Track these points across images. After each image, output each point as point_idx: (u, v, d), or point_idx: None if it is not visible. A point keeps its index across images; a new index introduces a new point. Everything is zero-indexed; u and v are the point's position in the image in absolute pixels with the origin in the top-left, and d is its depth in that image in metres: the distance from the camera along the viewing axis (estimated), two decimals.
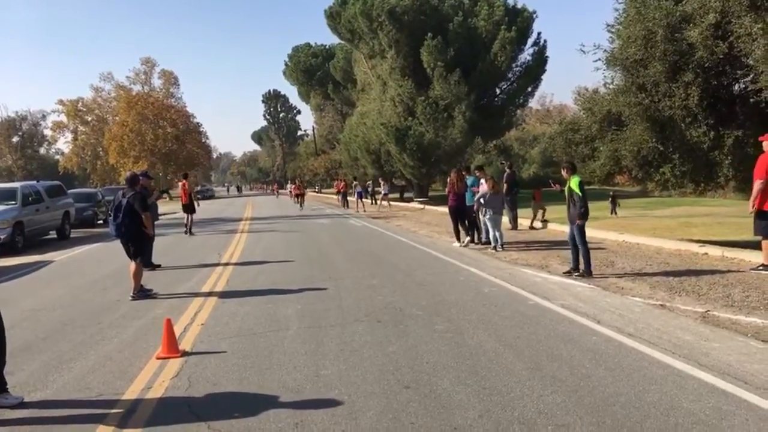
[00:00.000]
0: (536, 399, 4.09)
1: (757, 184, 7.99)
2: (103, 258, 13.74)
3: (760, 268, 8.17)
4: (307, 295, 8.15)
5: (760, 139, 8.74)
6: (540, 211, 16.65)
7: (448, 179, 13.57)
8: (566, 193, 8.87)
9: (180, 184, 19.97)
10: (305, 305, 7.45)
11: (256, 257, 12.53)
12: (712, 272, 8.41)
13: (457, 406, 4.04)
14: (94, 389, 4.76)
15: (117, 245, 9.49)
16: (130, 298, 8.37)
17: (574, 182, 8.65)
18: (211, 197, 62.79)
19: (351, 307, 7.26)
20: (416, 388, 4.40)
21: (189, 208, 18.47)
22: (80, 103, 73.65)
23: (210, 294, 8.59)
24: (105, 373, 5.15)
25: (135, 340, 6.20)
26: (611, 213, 20.66)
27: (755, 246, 10.19)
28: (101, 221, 24.71)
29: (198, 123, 73.90)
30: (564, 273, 8.84)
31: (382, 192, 32.00)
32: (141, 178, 11.94)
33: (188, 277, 10.19)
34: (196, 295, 8.57)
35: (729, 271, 8.43)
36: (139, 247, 8.63)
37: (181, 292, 8.80)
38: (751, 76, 10.65)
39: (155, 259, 11.55)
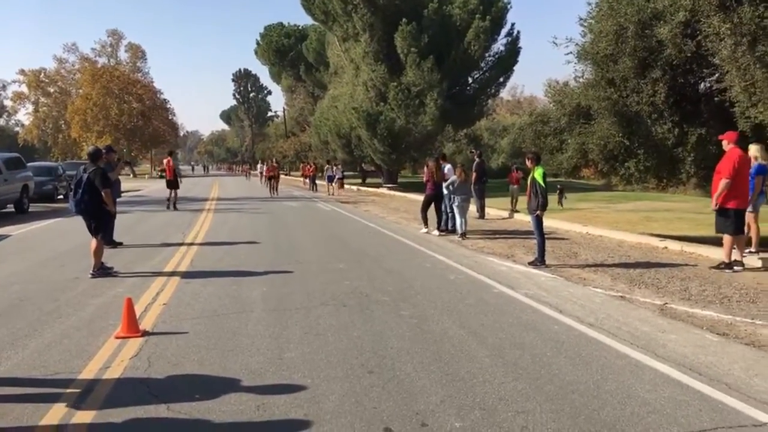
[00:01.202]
0: (498, 385, 4.14)
1: (722, 183, 8.16)
2: (63, 234, 13.36)
3: (721, 266, 8.35)
4: (272, 277, 8.08)
5: (719, 138, 8.97)
6: (513, 200, 16.99)
7: (426, 167, 13.54)
8: (528, 183, 8.98)
9: (165, 161, 20.85)
10: (270, 288, 7.38)
11: (221, 238, 12.36)
12: (671, 266, 8.64)
13: (419, 391, 4.06)
14: (50, 367, 4.64)
15: (77, 221, 9.26)
16: (90, 275, 8.17)
17: (538, 173, 8.76)
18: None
19: (317, 290, 7.22)
20: (380, 373, 4.41)
21: (173, 184, 19.62)
22: (42, 74, 71.11)
23: (173, 274, 8.44)
24: (61, 352, 5.01)
25: (93, 318, 6.05)
26: (558, 204, 20.92)
27: (713, 242, 10.50)
28: (61, 196, 24.02)
29: (165, 99, 72.24)
30: (529, 263, 8.96)
31: (336, 176, 31.28)
32: (104, 152, 11.69)
33: (151, 256, 9.99)
34: (159, 274, 8.41)
35: (687, 265, 8.67)
36: (100, 224, 8.42)
37: (143, 271, 8.63)
38: (717, 75, 10.89)
39: (117, 237, 11.28)
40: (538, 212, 8.74)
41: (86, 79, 61.80)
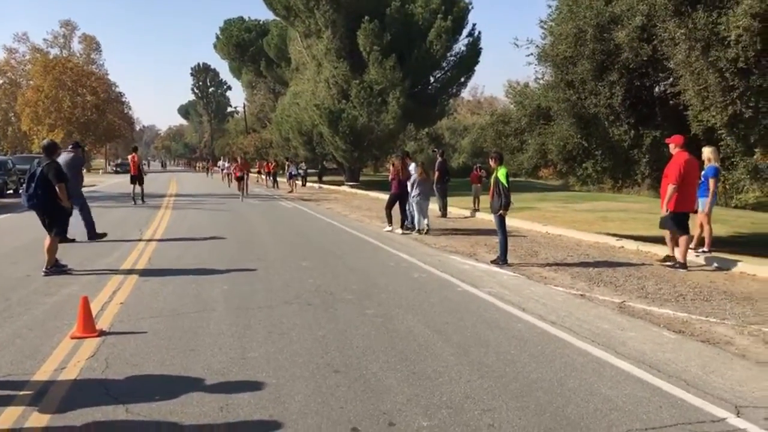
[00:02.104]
0: (464, 384, 4.16)
1: (670, 188, 8.41)
2: (14, 229, 12.85)
3: (675, 263, 8.63)
4: (234, 275, 7.94)
5: (666, 141, 9.26)
6: (475, 199, 17.19)
7: (391, 166, 13.51)
8: (491, 183, 9.07)
9: (129, 157, 21.81)
10: (232, 286, 7.25)
11: (180, 235, 12.09)
12: (628, 265, 8.87)
13: (386, 390, 4.05)
14: (2, 369, 4.44)
15: (29, 216, 8.92)
16: (43, 273, 7.87)
17: (501, 173, 8.86)
18: (127, 171, 59.89)
19: (280, 289, 7.13)
20: (345, 372, 4.38)
21: (138, 179, 20.51)
22: None
23: (130, 271, 8.21)
24: (13, 353, 4.80)
25: (47, 318, 5.82)
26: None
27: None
28: (11, 191, 23.09)
29: (120, 92, 70.34)
30: (491, 261, 9.06)
31: (299, 174, 31.38)
32: (72, 147, 11.48)
33: (107, 253, 9.70)
34: (116, 272, 8.17)
35: (643, 264, 8.92)
36: (55, 219, 8.11)
37: (99, 269, 8.36)
38: (671, 79, 11.22)
39: (71, 233, 10.89)
40: (501, 212, 8.83)
41: (37, 71, 59.44)
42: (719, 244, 10.08)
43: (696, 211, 9.49)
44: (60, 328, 5.43)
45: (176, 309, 6.15)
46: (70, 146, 12.08)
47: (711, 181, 8.93)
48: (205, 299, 6.57)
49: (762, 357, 4.75)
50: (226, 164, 38.55)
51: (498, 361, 4.64)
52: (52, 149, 8.42)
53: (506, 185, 8.79)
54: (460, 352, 4.85)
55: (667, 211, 8.52)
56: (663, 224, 8.87)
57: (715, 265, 8.65)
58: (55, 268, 8.01)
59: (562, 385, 4.14)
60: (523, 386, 4.12)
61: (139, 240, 11.39)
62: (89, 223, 11.42)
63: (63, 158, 11.40)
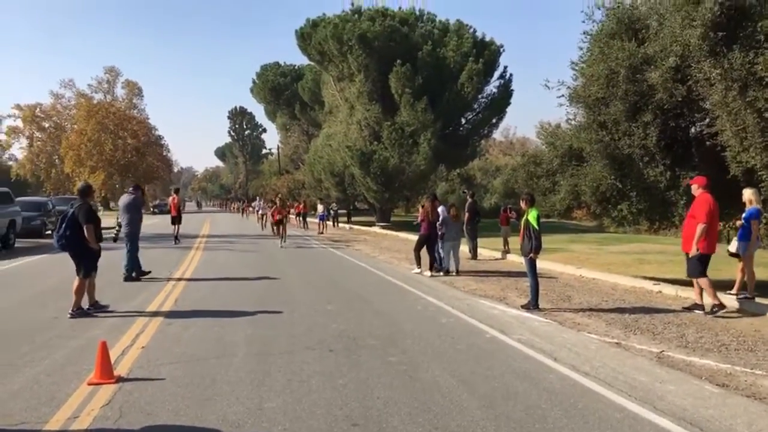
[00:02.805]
0: None
1: (700, 228, 8.10)
2: (47, 270, 13.08)
3: (715, 309, 8.21)
4: (258, 318, 7.84)
5: (690, 182, 8.96)
6: (505, 240, 16.89)
7: (421, 207, 13.41)
8: (522, 225, 8.86)
9: (170, 198, 22.76)
10: (255, 330, 7.13)
11: (209, 276, 12.11)
12: (666, 311, 8.46)
13: None
14: (16, 416, 4.37)
15: (63, 257, 9.04)
16: (69, 315, 7.91)
17: (532, 215, 8.65)
18: (164, 212, 61.27)
19: (303, 333, 6.98)
20: (365, 425, 4.17)
21: (177, 220, 21.19)
22: (38, 109, 71.43)
23: (155, 314, 8.19)
24: (29, 399, 4.74)
25: (68, 362, 5.78)
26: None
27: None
28: (49, 231, 23.69)
29: (160, 135, 72.72)
30: (522, 306, 8.76)
31: (330, 215, 31.04)
32: (132, 190, 11.98)
33: (134, 295, 9.73)
34: (141, 314, 8.15)
35: (683, 311, 8.49)
36: (82, 260, 8.19)
37: (125, 311, 8.36)
38: (708, 120, 10.95)
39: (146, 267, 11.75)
40: (531, 255, 8.59)
41: (81, 115, 62.12)
42: (761, 288, 9.56)
43: (736, 255, 9.09)
44: (78, 374, 5.37)
45: (196, 354, 6.05)
46: (131, 188, 12.74)
47: (753, 223, 8.54)
48: (226, 343, 6.46)
49: None
50: (261, 203, 36.31)
51: (527, 416, 4.37)
52: (86, 192, 8.62)
53: (537, 228, 8.56)
54: (487, 404, 4.60)
55: (697, 251, 8.17)
56: (691, 270, 8.49)
57: (756, 311, 8.19)
58: (81, 310, 8.07)
59: None
60: None
61: (169, 279, 11.46)
62: (131, 266, 11.63)
63: (124, 200, 12.12)
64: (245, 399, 4.72)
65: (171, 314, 8.14)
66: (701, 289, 8.39)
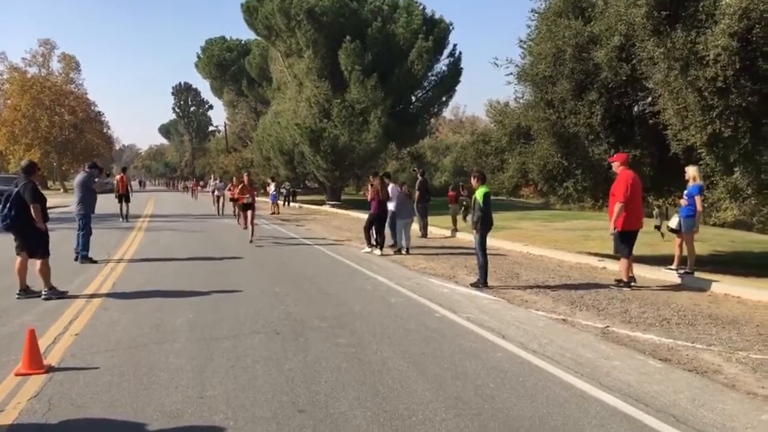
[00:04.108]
0: (439, 423, 3.84)
1: (617, 206, 8.32)
2: None
3: (621, 284, 8.48)
4: (201, 302, 7.56)
5: (609, 159, 9.19)
6: (453, 219, 16.98)
7: (371, 186, 13.16)
8: (471, 202, 8.87)
9: (118, 176, 22.50)
10: (198, 314, 6.86)
11: (150, 257, 11.66)
12: (611, 287, 8.63)
13: None
14: None
15: (4, 238, 8.55)
16: (43, 296, 7.70)
17: (479, 192, 8.66)
18: (111, 191, 58.85)
19: (248, 316, 6.76)
20: (311, 412, 4.03)
21: (126, 198, 21.49)
22: None
23: (92, 297, 7.82)
24: None
25: None
26: (463, 220, 20.20)
27: (649, 261, 10.67)
28: None
29: (99, 111, 69.58)
30: (471, 284, 8.78)
31: (272, 195, 28.51)
32: (90, 169, 11.40)
33: (71, 278, 9.25)
34: (76, 297, 7.75)
35: (613, 286, 8.67)
36: (27, 241, 7.76)
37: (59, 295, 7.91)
38: (650, 98, 11.15)
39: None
40: (476, 229, 8.64)
41: (15, 90, 58.72)
42: (699, 263, 9.91)
43: (675, 231, 9.37)
44: (5, 364, 5.02)
45: (134, 340, 5.75)
46: (87, 166, 12.30)
47: (698, 200, 8.79)
48: (166, 329, 6.18)
49: (752, 388, 4.50)
50: (219, 183, 28.47)
51: (476, 396, 4.33)
52: (31, 170, 8.13)
53: (482, 205, 8.57)
54: (436, 386, 4.53)
55: (615, 229, 8.40)
56: (616, 247, 8.75)
57: (698, 286, 8.48)
58: (54, 291, 7.83)
59: (544, 424, 3.84)
60: (503, 425, 3.81)
61: (107, 261, 10.98)
62: (85, 245, 11.16)
63: (78, 178, 11.84)
64: (185, 387, 4.50)
65: (108, 298, 7.77)
66: (628, 265, 8.61)
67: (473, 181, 9.02)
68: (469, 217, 16.47)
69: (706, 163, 9.50)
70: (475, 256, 9.04)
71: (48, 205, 8.33)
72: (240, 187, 15.63)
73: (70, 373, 4.84)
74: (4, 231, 7.92)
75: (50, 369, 4.90)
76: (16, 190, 7.78)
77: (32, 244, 7.78)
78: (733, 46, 8.06)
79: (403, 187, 13.36)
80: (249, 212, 14.96)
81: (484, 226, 8.66)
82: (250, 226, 14.73)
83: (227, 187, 25.32)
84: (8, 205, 7.67)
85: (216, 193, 27.03)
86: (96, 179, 11.88)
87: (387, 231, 12.89)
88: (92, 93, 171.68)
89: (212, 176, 39.42)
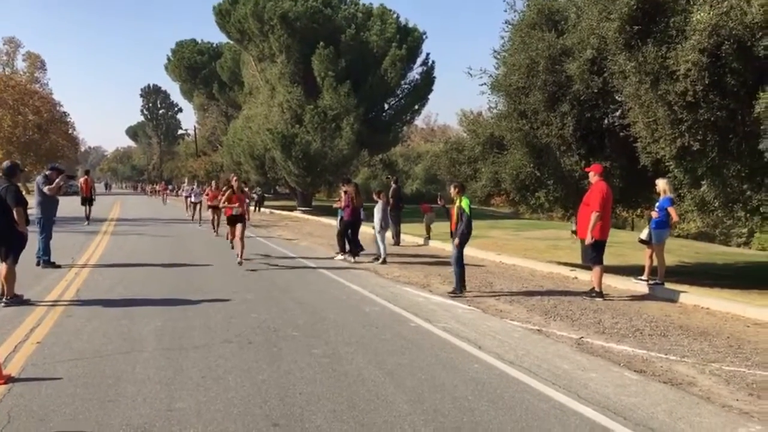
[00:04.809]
0: None
1: (594, 216, 8.44)
2: None
3: (593, 294, 8.58)
4: (171, 309, 7.34)
5: (585, 170, 9.34)
6: (427, 227, 16.95)
7: (343, 192, 12.93)
8: (455, 212, 8.86)
9: (82, 179, 22.19)
10: (167, 322, 6.66)
11: (116, 263, 11.33)
12: (583, 296, 8.70)
13: None
14: None
15: None
16: (2, 304, 7.31)
17: (465, 203, 8.70)
18: (75, 193, 57.45)
19: (220, 325, 6.59)
20: (286, 425, 3.91)
21: (89, 201, 21.30)
22: None
23: (55, 303, 7.53)
24: None
25: None
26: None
27: (619, 271, 10.81)
28: None
29: (65, 112, 67.73)
30: (449, 293, 8.76)
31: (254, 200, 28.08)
32: (51, 172, 10.86)
33: (33, 283, 8.89)
34: (38, 304, 7.45)
35: (584, 296, 8.74)
36: (11, 245, 7.42)
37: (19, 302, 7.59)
38: (621, 111, 11.34)
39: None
40: (457, 240, 8.65)
41: None
42: (666, 274, 10.06)
43: (646, 242, 9.51)
44: None
45: (99, 350, 5.53)
46: (48, 168, 11.69)
47: (672, 211, 8.95)
48: (134, 338, 5.97)
49: (726, 400, 4.54)
50: (195, 189, 26.30)
51: (454, 408, 4.27)
52: (12, 172, 7.78)
53: (469, 214, 8.63)
54: (414, 398, 4.46)
55: (591, 239, 8.49)
56: (587, 256, 8.85)
57: (665, 296, 8.62)
58: (16, 298, 7.46)
59: None
60: None
61: (72, 266, 10.64)
62: (45, 249, 10.73)
63: (38, 180, 11.27)
64: (153, 399, 4.33)
65: (72, 305, 7.49)
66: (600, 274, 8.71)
67: (453, 192, 9.03)
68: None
69: (675, 175, 9.69)
70: (449, 265, 9.02)
71: None
72: (226, 193, 12.29)
73: (32, 383, 4.61)
74: None
75: (10, 379, 4.67)
76: None
77: (16, 248, 7.48)
78: (702, 62, 8.24)
79: (380, 195, 13.28)
80: (238, 226, 11.91)
81: (465, 238, 8.71)
82: (239, 243, 11.73)
83: (204, 193, 22.78)
84: None
85: (192, 199, 24.69)
86: (43, 184, 10.81)
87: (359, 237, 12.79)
88: (58, 93, 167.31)
89: (186, 180, 37.19)
